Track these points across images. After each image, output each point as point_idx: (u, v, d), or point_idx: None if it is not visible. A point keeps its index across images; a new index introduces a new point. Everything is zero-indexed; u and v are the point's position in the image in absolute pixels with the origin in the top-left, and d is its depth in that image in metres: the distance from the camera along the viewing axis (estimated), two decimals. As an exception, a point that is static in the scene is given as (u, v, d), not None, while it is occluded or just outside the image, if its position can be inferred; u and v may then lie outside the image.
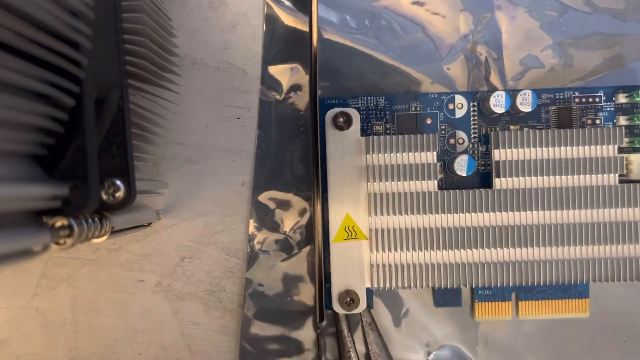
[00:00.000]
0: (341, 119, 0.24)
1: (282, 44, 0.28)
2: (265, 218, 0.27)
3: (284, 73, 0.27)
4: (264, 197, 0.27)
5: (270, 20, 0.28)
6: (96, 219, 0.18)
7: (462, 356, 0.26)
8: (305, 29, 0.27)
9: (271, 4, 0.28)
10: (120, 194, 0.19)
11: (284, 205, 0.27)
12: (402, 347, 0.26)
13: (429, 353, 0.26)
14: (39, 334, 0.27)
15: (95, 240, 0.19)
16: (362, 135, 0.25)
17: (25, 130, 0.16)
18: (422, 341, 0.26)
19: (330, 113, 0.24)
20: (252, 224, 0.27)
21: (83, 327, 0.27)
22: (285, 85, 0.27)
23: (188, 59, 0.28)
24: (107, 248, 0.27)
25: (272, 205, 0.27)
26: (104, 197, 0.18)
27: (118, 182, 0.19)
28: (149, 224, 0.26)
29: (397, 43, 0.27)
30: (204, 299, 0.27)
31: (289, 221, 0.27)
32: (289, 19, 0.28)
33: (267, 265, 0.27)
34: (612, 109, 0.26)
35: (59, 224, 0.17)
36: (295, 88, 0.27)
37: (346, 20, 0.28)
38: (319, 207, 0.25)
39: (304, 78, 0.27)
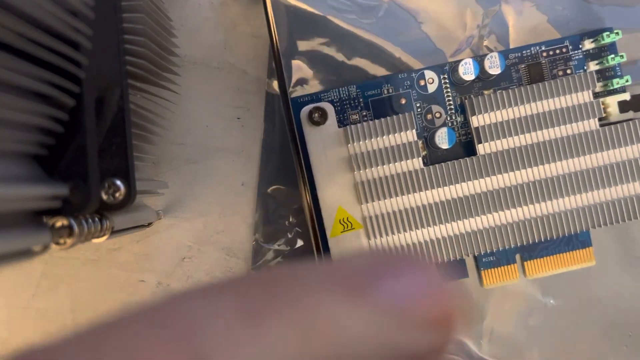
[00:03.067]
0: (316, 115, 0.24)
1: (289, 37, 0.28)
2: (271, 211, 0.27)
3: (291, 66, 0.27)
4: (270, 190, 0.27)
5: (279, 12, 0.27)
6: (96, 219, 0.18)
7: (467, 351, 0.26)
8: (314, 22, 0.27)
9: None
10: (120, 194, 0.19)
11: (290, 197, 0.27)
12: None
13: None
14: (39, 334, 0.27)
15: (95, 240, 0.19)
16: (340, 127, 0.25)
17: (25, 130, 0.16)
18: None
19: (305, 110, 0.25)
20: (257, 217, 0.27)
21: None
22: (292, 79, 0.27)
23: (188, 59, 0.28)
24: (107, 248, 0.27)
25: (278, 198, 0.27)
26: (104, 197, 0.18)
27: (118, 182, 0.19)
28: (149, 224, 0.26)
29: (403, 37, 0.27)
30: (204, 299, 0.27)
31: (295, 213, 0.27)
32: (297, 12, 0.28)
33: (272, 258, 0.27)
34: (581, 56, 0.26)
35: (59, 224, 0.17)
36: (302, 82, 0.27)
37: (353, 11, 0.28)
38: (308, 201, 0.25)
39: (309, 72, 0.27)
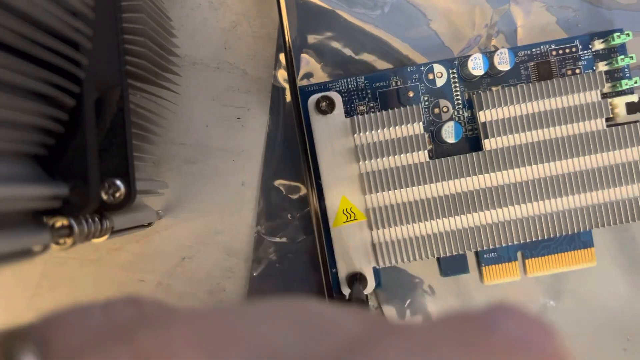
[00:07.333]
0: (324, 103, 0.24)
1: (297, 30, 0.28)
2: (274, 204, 0.27)
3: (299, 59, 0.27)
4: (273, 183, 0.27)
5: (288, 4, 0.27)
6: (96, 219, 0.18)
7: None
8: (323, 16, 0.27)
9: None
10: (120, 194, 0.19)
11: (293, 190, 0.27)
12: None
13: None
14: (39, 334, 0.27)
15: (95, 240, 0.19)
16: (346, 117, 0.25)
17: (25, 130, 0.16)
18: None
19: (312, 99, 0.25)
20: (260, 209, 0.27)
21: (83, 327, 0.27)
22: (299, 72, 0.27)
23: (188, 59, 0.28)
24: (107, 248, 0.27)
25: (281, 190, 0.27)
26: (104, 197, 0.18)
27: (118, 182, 0.19)
28: (149, 224, 0.26)
29: (411, 33, 0.27)
30: (204, 299, 0.27)
31: (298, 207, 0.27)
32: (306, 5, 0.27)
33: (273, 251, 0.27)
34: (590, 56, 0.26)
35: (59, 224, 0.17)
36: (309, 75, 0.27)
37: (361, 6, 0.28)
38: (314, 195, 0.25)
39: (316, 65, 0.27)
